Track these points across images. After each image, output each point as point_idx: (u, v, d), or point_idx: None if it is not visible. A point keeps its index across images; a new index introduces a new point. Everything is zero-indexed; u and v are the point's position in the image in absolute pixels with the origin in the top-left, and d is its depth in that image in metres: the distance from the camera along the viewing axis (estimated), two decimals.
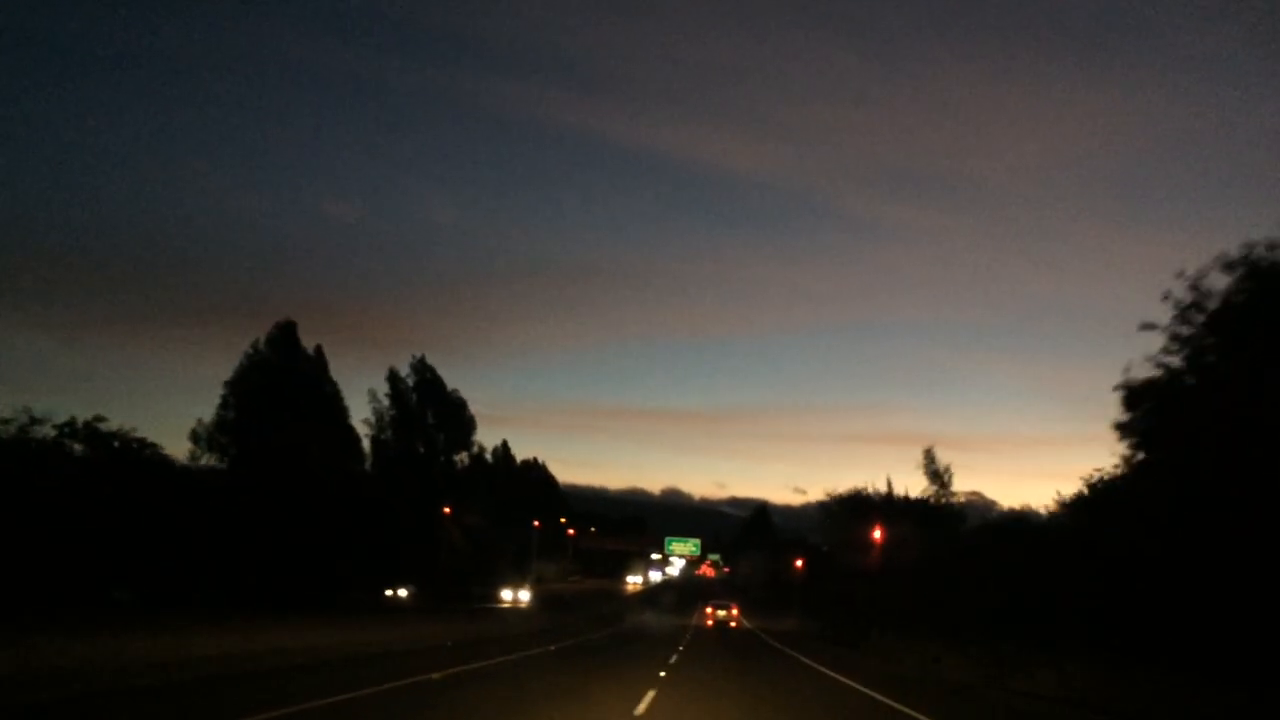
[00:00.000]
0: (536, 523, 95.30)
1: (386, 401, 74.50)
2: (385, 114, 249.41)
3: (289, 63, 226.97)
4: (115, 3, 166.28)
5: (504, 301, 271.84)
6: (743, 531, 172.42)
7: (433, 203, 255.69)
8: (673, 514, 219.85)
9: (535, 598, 75.76)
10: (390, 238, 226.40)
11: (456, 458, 79.93)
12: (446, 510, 68.11)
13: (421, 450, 75.76)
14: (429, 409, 76.04)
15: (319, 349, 57.63)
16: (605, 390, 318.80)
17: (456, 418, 77.94)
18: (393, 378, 75.04)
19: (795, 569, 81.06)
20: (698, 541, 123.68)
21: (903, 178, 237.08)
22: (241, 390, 51.95)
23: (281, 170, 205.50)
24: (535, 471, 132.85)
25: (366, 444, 68.05)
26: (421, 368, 77.14)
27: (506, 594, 72.85)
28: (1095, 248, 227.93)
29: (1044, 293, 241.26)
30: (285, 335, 55.10)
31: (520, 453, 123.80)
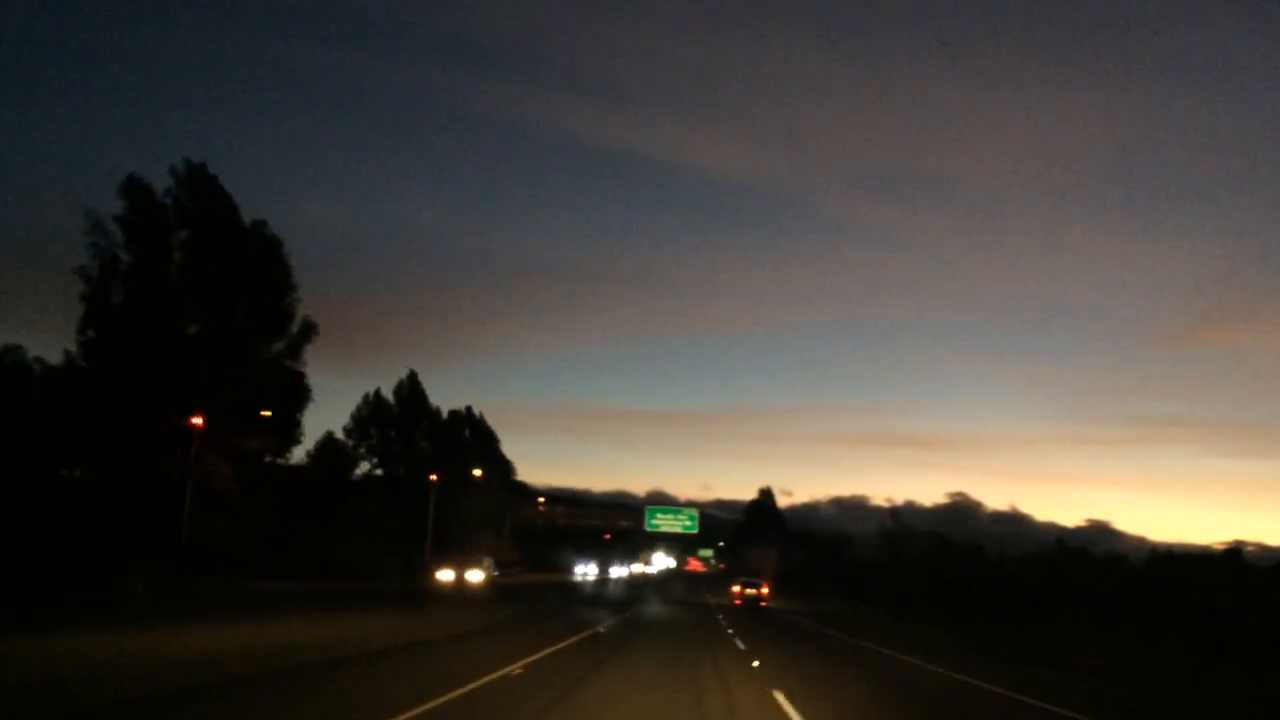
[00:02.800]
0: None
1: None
2: (367, 115, 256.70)
3: (269, 64, 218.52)
4: (89, 2, 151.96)
5: (486, 303, 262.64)
6: (745, 519, 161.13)
7: (415, 204, 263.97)
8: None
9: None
10: (372, 239, 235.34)
11: (291, 363, 44.47)
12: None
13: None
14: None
15: None
16: (589, 392, 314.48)
17: (254, 257, 42.49)
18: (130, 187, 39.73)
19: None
20: (694, 514, 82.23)
21: (887, 179, 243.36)
22: None
23: (262, 172, 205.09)
24: (466, 424, 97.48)
25: None
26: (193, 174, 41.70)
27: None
28: (1082, 249, 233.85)
29: (1030, 294, 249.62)
30: None
31: (516, 464, 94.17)
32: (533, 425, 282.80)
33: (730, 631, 28.41)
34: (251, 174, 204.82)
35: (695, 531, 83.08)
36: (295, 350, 44.23)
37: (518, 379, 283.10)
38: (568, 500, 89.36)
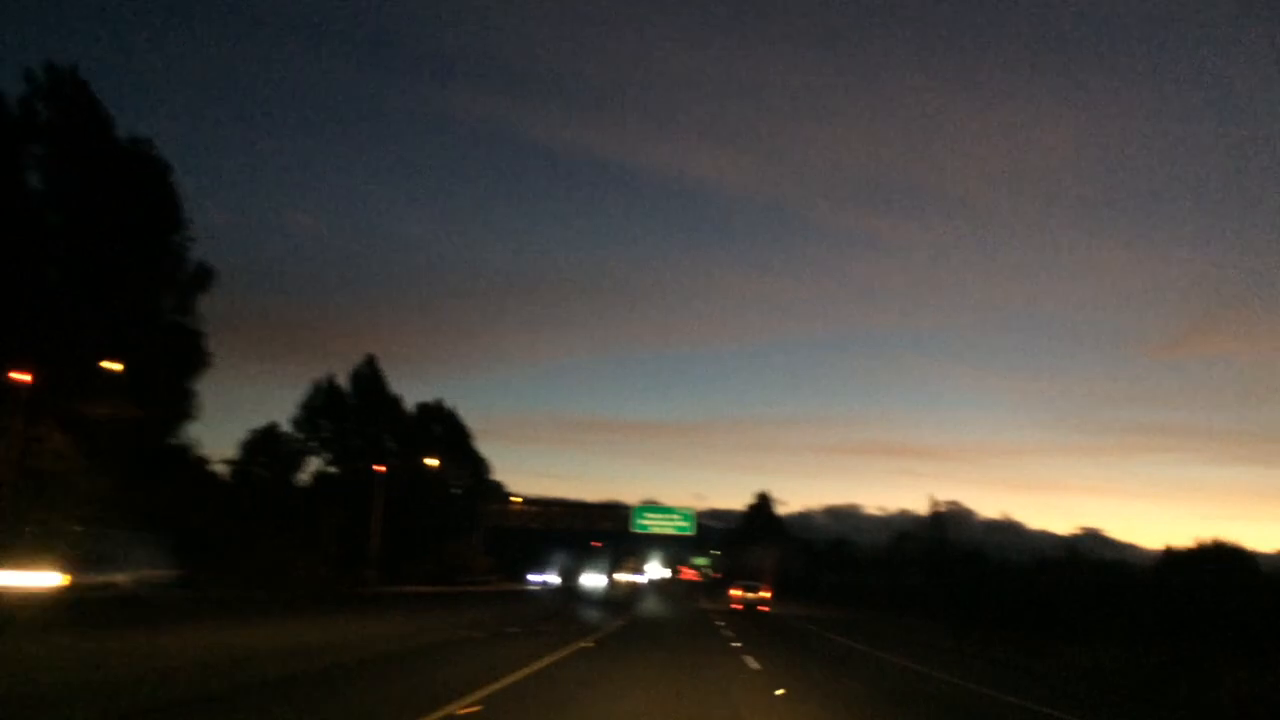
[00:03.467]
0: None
1: None
2: (354, 125, 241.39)
3: (254, 74, 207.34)
4: (68, 13, 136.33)
5: (476, 315, 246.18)
6: (742, 523, 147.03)
7: (404, 215, 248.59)
8: None
9: None
10: (360, 250, 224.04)
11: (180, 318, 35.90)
12: None
13: None
14: None
15: None
16: (580, 404, 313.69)
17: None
18: None
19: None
20: (689, 514, 72.69)
21: (877, 190, 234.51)
22: None
23: (247, 183, 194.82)
24: (436, 418, 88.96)
25: None
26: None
27: None
28: (1072, 258, 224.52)
29: (1021, 303, 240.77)
30: None
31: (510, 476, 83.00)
32: (522, 437, 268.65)
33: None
34: (234, 183, 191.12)
35: (691, 534, 74.23)
36: (185, 302, 35.70)
37: (507, 391, 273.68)
38: (547, 501, 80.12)
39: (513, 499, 78.58)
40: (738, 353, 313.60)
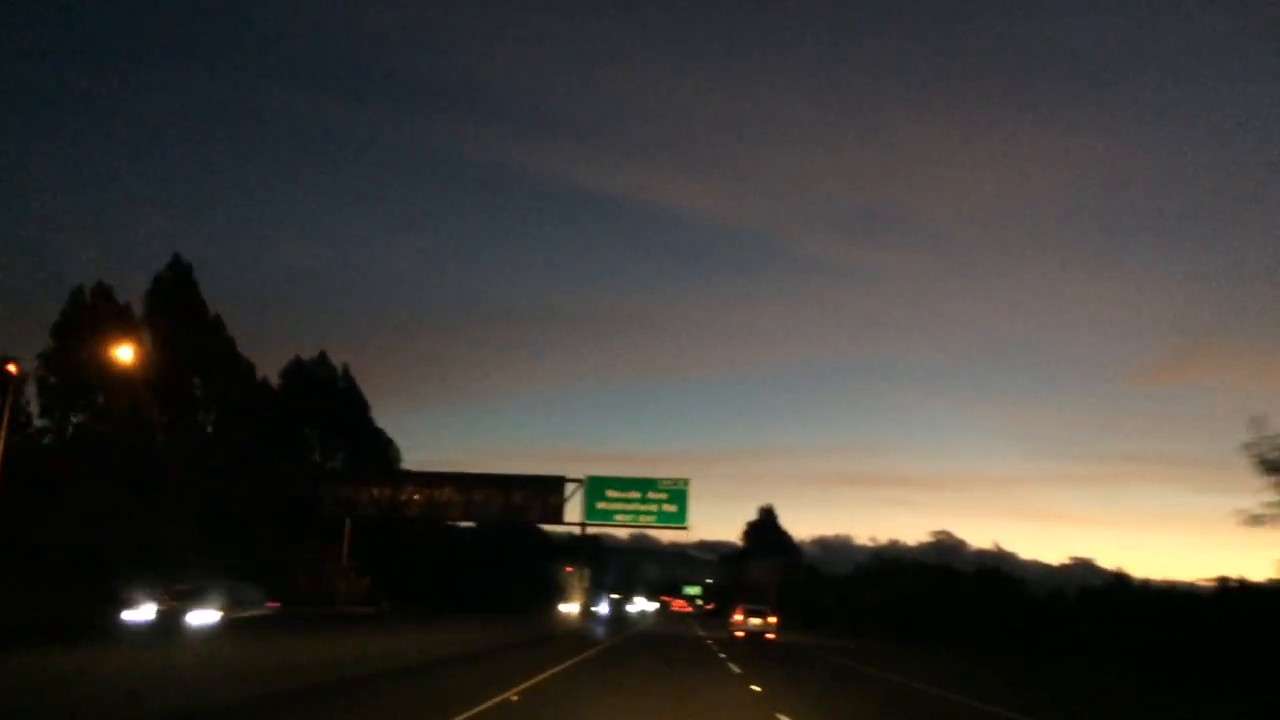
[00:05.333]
0: None
1: None
2: (340, 158, 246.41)
3: (242, 105, 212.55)
4: (57, 47, 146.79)
5: (462, 345, 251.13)
6: (743, 544, 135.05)
7: (389, 247, 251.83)
8: (640, 557, 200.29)
9: None
10: (346, 282, 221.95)
11: None
12: None
13: None
14: None
15: None
16: (567, 435, 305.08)
17: None
18: None
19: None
20: (680, 488, 45.61)
21: (864, 221, 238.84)
22: None
23: (233, 215, 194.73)
24: (319, 382, 62.72)
25: None
26: None
27: None
28: (1058, 288, 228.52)
29: (1008, 333, 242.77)
30: None
31: None
32: (505, 468, 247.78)
33: None
34: (223, 216, 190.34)
35: (683, 525, 45.23)
36: None
37: (496, 422, 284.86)
38: (429, 475, 50.29)
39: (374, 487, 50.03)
40: (723, 383, 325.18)
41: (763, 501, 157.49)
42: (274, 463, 47.41)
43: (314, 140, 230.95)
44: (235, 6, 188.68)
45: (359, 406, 64.26)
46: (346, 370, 65.82)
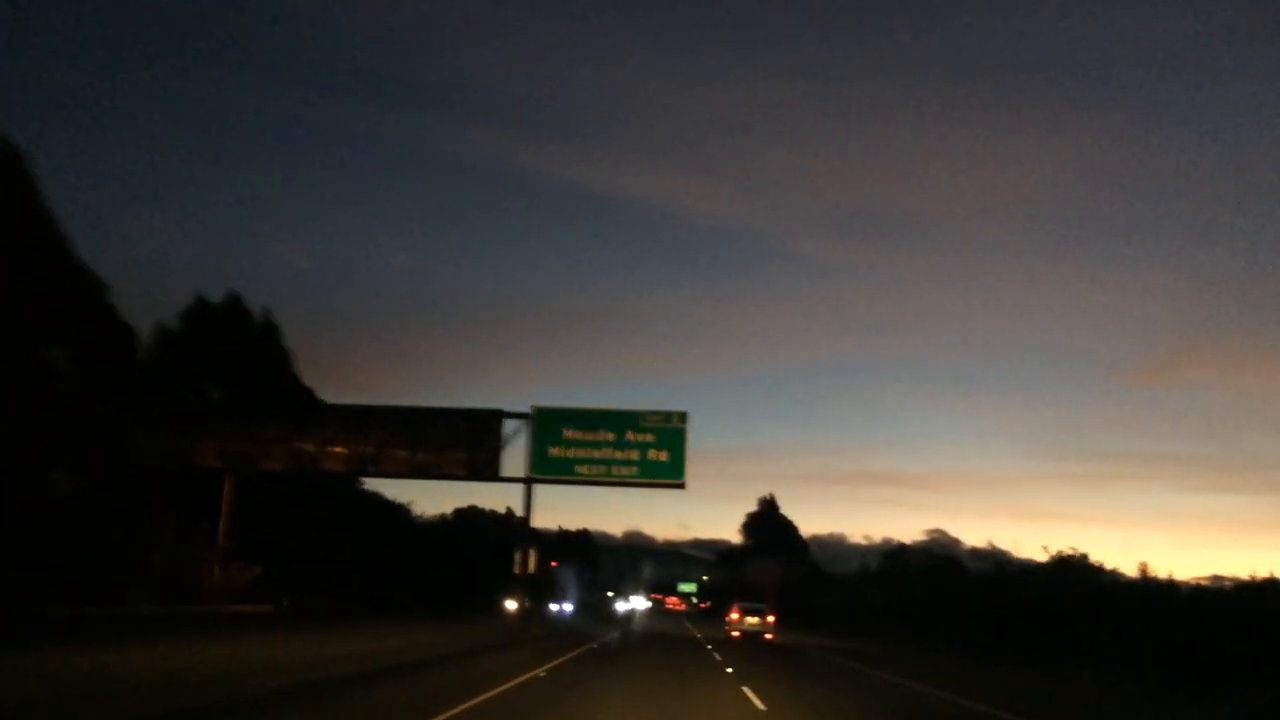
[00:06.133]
0: None
1: None
2: (338, 157, 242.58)
3: (238, 106, 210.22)
4: (50, 46, 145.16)
5: (458, 344, 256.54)
6: (744, 538, 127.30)
7: (387, 247, 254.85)
8: (635, 555, 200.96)
9: None
10: (343, 282, 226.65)
11: None
12: None
13: None
14: None
15: None
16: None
17: None
18: None
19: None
20: (676, 427, 30.92)
21: (858, 220, 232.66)
22: None
23: (231, 214, 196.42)
24: (229, 323, 48.86)
25: None
26: None
27: None
28: (1052, 286, 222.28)
29: (1002, 331, 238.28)
30: None
31: None
32: (509, 467, 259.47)
33: None
34: (221, 216, 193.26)
35: (679, 478, 29.68)
36: None
37: None
38: (359, 411, 33.94)
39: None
40: (718, 382, 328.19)
41: (758, 499, 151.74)
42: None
43: (313, 139, 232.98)
44: (234, 6, 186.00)
45: (278, 361, 50.64)
46: (268, 317, 52.33)
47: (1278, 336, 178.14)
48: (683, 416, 32.36)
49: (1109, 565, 41.29)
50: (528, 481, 32.41)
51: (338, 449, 32.59)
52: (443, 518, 75.18)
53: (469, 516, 77.31)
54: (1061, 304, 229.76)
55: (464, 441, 31.87)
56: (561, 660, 21.96)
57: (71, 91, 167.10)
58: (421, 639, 25.38)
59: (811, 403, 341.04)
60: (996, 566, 51.84)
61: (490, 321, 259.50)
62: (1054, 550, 36.13)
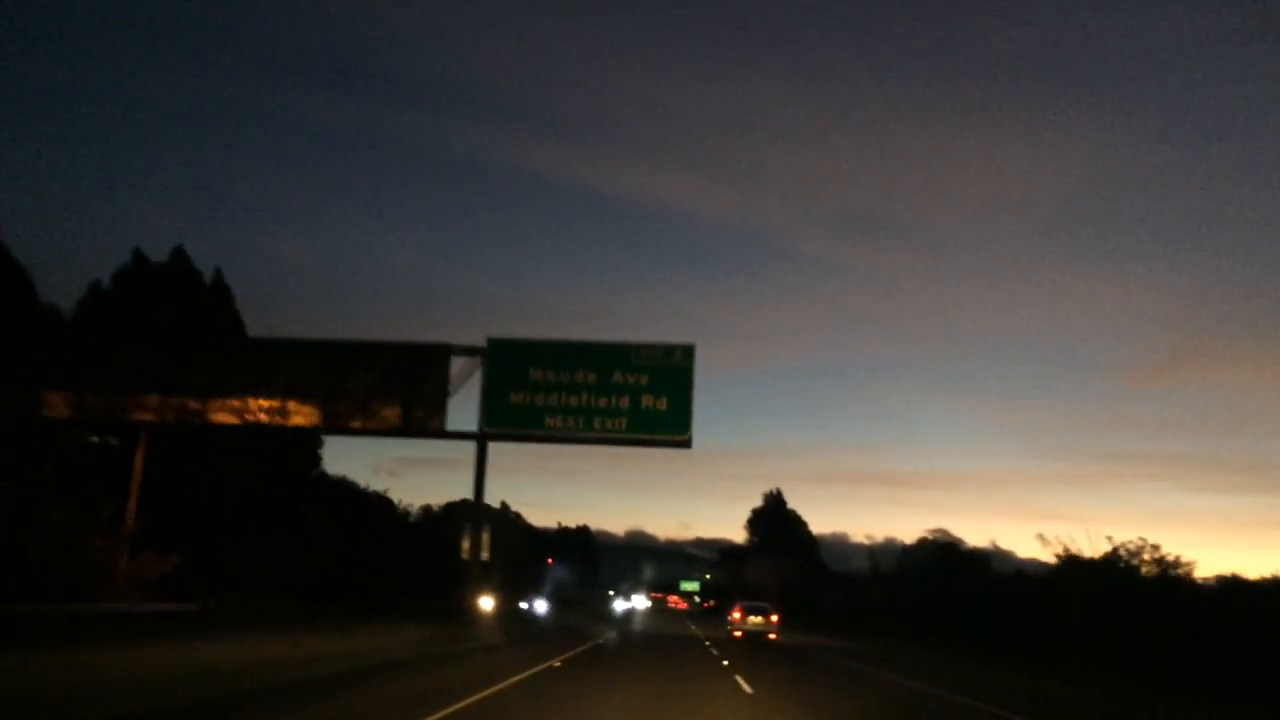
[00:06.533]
0: None
1: None
2: (339, 154, 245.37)
3: (240, 106, 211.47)
4: (52, 45, 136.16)
5: (458, 342, 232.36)
6: (748, 533, 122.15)
7: (388, 246, 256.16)
8: (637, 554, 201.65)
9: None
10: (344, 278, 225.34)
11: None
12: None
13: None
14: None
15: None
16: None
17: None
18: None
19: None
20: (680, 365, 23.46)
21: (862, 220, 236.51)
22: None
23: (232, 212, 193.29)
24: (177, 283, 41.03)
25: None
26: None
27: None
28: (1054, 286, 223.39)
29: (1005, 331, 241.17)
30: None
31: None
32: (511, 466, 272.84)
33: None
34: (222, 213, 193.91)
35: (684, 433, 21.78)
36: None
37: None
38: (262, 346, 26.42)
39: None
40: (721, 382, 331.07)
41: (760, 499, 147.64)
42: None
43: (313, 138, 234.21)
44: (235, 5, 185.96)
45: (230, 326, 42.85)
46: (219, 276, 44.74)
47: (1278, 336, 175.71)
48: (688, 352, 24.90)
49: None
50: (480, 438, 24.66)
51: (231, 400, 24.95)
52: (427, 511, 68.30)
53: (463, 512, 70.83)
54: (1062, 304, 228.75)
55: (399, 388, 24.25)
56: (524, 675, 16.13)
57: (73, 90, 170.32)
58: (375, 640, 20.40)
59: (813, 403, 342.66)
60: (1017, 572, 50.27)
61: (492, 318, 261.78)
62: (1107, 542, 33.25)
